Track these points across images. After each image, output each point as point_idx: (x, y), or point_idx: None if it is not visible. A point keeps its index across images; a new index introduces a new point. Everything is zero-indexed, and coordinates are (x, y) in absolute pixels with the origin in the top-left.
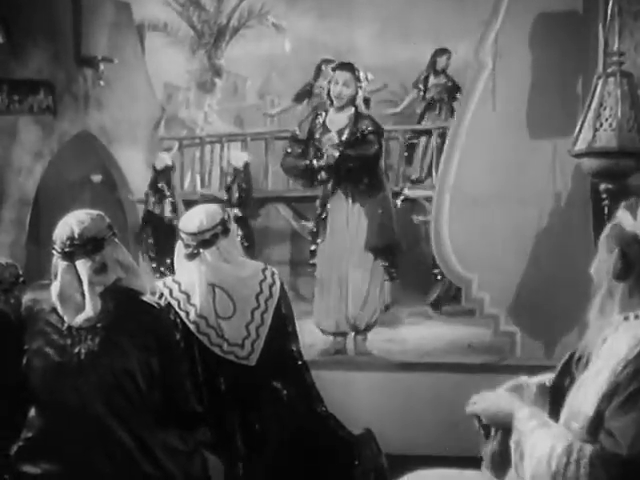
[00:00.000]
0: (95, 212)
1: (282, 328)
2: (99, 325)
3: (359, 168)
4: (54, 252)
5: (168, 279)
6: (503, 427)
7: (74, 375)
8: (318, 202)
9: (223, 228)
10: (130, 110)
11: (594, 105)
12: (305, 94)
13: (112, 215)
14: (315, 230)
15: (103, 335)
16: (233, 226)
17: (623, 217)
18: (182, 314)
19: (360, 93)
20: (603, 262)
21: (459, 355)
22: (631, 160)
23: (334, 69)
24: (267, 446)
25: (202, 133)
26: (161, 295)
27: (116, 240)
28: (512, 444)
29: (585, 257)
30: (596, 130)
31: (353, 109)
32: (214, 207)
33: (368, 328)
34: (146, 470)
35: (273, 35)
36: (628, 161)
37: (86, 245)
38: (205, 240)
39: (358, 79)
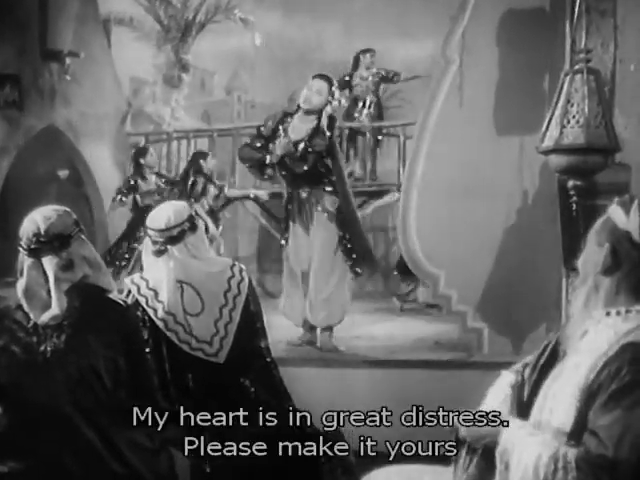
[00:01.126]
0: (62, 208)
1: (250, 325)
2: (65, 323)
3: (300, 177)
4: (20, 248)
5: (136, 276)
6: (483, 442)
7: (40, 373)
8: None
9: (190, 224)
10: (96, 105)
11: (561, 102)
12: (345, 85)
13: (78, 211)
14: (284, 228)
15: (69, 333)
16: (201, 223)
17: (616, 213)
18: (150, 311)
19: (328, 108)
20: (591, 256)
21: (426, 352)
22: (599, 157)
23: (313, 77)
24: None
25: (169, 129)
26: (129, 292)
27: (83, 237)
28: (497, 454)
29: (552, 254)
30: (563, 127)
31: (316, 122)
32: (181, 204)
33: (331, 327)
34: (113, 467)
35: (240, 30)
36: (596, 158)
37: (52, 242)
38: (172, 236)
39: (332, 94)
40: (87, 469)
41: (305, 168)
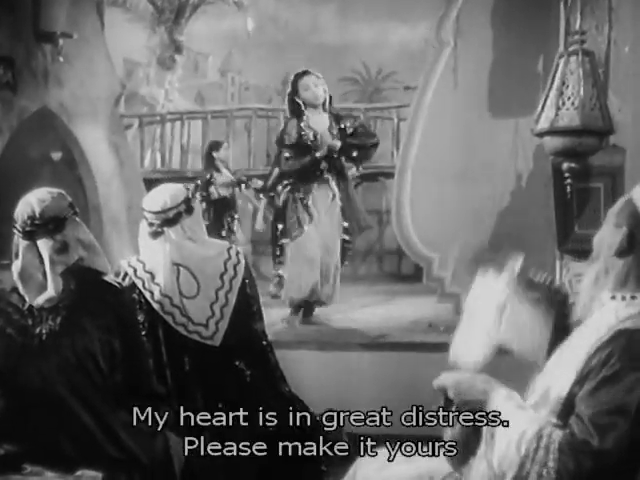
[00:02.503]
0: (56, 190)
1: (247, 308)
2: (60, 305)
3: (357, 158)
4: (15, 231)
5: (132, 258)
6: (469, 406)
7: (36, 355)
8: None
9: (187, 207)
10: (90, 86)
11: (556, 84)
12: None
13: (72, 193)
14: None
15: (64, 315)
16: (197, 205)
17: (638, 196)
18: (146, 294)
19: (326, 95)
20: (607, 236)
21: (421, 334)
22: (593, 139)
23: (298, 78)
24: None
25: (163, 110)
26: (125, 275)
27: (77, 219)
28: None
29: (546, 236)
30: (558, 109)
31: (326, 112)
32: (178, 186)
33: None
34: (108, 450)
35: (234, 12)
36: (590, 140)
37: (47, 224)
38: (169, 219)
39: (319, 79)
40: (83, 452)
41: (377, 138)
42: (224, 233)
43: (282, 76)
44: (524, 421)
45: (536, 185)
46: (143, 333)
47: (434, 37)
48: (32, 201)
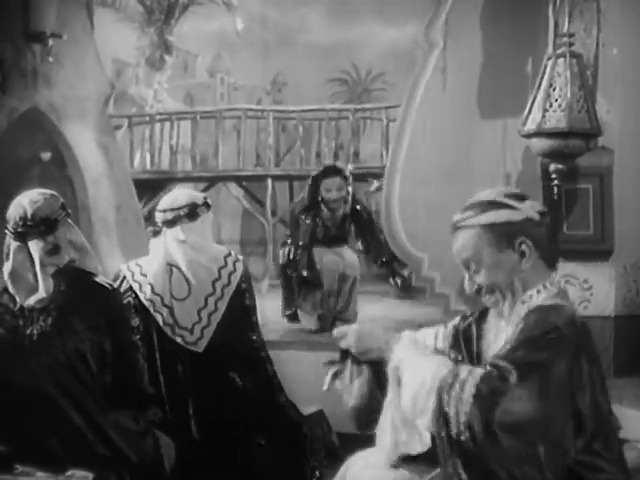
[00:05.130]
0: (49, 192)
1: (245, 318)
2: (51, 306)
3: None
4: (7, 232)
5: (131, 263)
6: (368, 356)
7: (26, 356)
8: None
9: (189, 212)
10: (79, 87)
11: (544, 86)
12: None
13: (61, 193)
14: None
15: (55, 316)
16: (206, 215)
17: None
18: (141, 295)
19: (350, 191)
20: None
21: None
22: (580, 140)
23: (324, 176)
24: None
25: (152, 111)
26: (123, 278)
27: (69, 221)
28: (389, 370)
29: None
30: (546, 111)
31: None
32: (191, 192)
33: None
34: (98, 450)
35: (223, 12)
36: (577, 141)
37: (39, 226)
38: (167, 220)
39: (346, 179)
40: (73, 451)
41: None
42: None
43: (271, 76)
44: (435, 363)
45: (525, 186)
46: (138, 337)
47: (423, 38)
48: (24, 202)
